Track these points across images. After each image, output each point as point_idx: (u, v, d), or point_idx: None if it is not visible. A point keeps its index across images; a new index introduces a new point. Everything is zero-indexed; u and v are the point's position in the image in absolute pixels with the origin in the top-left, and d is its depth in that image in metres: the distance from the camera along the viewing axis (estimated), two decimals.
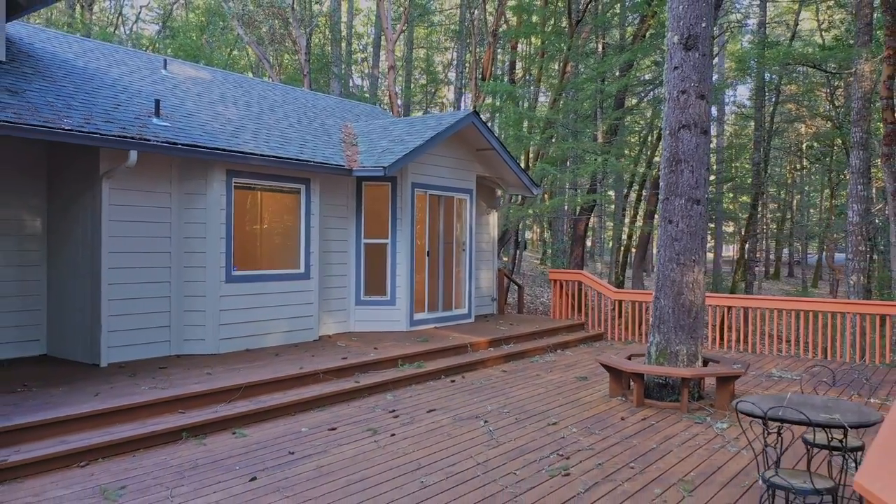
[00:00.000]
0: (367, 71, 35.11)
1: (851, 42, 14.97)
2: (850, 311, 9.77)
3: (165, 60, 10.49)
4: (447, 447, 5.41)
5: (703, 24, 7.08)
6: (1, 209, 7.42)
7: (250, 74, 30.34)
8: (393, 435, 5.73)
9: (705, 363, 7.29)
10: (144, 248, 7.59)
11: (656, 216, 16.16)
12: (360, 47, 35.56)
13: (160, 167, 7.72)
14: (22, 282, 7.62)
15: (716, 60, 28.45)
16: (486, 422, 6.19)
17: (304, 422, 6.10)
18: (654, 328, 7.28)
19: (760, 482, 3.82)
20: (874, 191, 19.07)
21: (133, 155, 6.83)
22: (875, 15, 13.01)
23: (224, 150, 7.70)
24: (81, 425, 5.21)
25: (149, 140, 6.98)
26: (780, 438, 3.67)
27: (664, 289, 7.17)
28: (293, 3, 21.55)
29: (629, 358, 7.48)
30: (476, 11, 23.25)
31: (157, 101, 7.80)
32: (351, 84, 33.24)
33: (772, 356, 10.07)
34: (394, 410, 6.55)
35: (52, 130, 6.20)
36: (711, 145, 33.83)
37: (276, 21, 22.45)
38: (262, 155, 8.08)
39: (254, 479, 4.63)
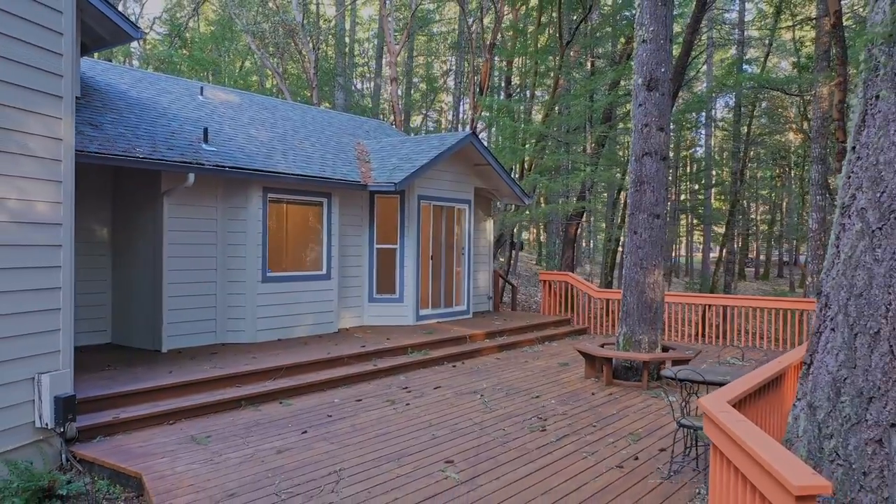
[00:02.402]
0: (368, 75, 36.59)
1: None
2: (805, 308, 11.21)
3: (202, 87, 11.94)
4: (451, 412, 6.86)
5: (663, 69, 8.54)
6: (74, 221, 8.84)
7: (255, 78, 31.79)
8: (407, 404, 7.18)
9: (664, 350, 8.75)
10: (196, 253, 9.03)
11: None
12: (362, 52, 37.00)
13: (209, 186, 9.15)
14: (91, 281, 9.05)
15: (704, 68, 30.00)
16: (481, 395, 7.64)
17: (335, 395, 7.55)
18: (622, 321, 8.75)
19: (675, 425, 5.28)
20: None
21: (191, 177, 8.27)
22: (832, 43, 14.43)
23: (262, 171, 9.15)
24: (166, 394, 6.66)
25: (203, 164, 8.43)
26: (690, 394, 5.12)
27: (630, 288, 8.63)
28: (303, 20, 22.97)
29: (602, 346, 8.95)
30: (474, 26, 24.72)
31: (206, 130, 9.24)
32: (353, 88, 34.64)
33: (733, 347, 11.52)
34: (406, 387, 8.00)
35: (131, 158, 7.65)
36: (700, 151, 34.84)
37: (281, 30, 23.83)
38: (293, 174, 9.53)
39: (304, 432, 6.08)
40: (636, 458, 5.49)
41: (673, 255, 41.53)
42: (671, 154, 31.48)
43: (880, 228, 3.65)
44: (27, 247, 5.12)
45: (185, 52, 28.46)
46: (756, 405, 4.22)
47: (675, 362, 8.26)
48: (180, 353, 8.52)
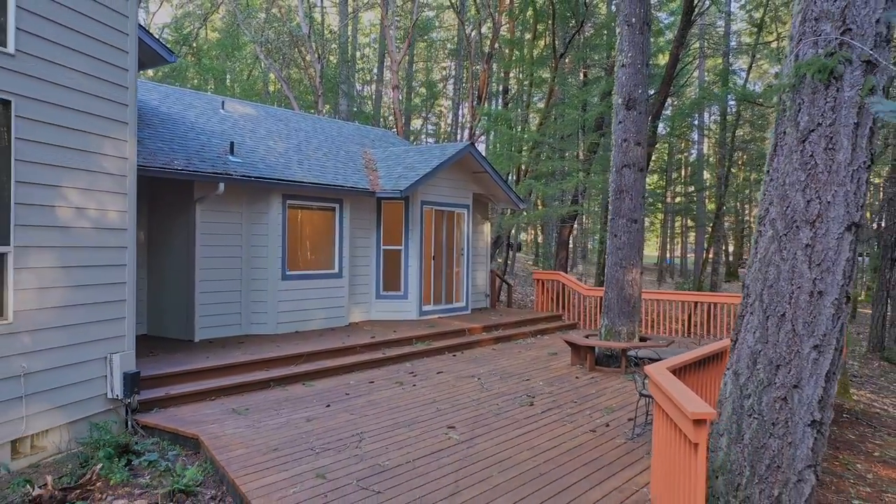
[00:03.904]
0: (369, 78, 37.70)
1: None
2: None
3: (223, 101, 13.00)
4: (452, 391, 7.92)
5: (640, 91, 9.60)
6: None
7: (259, 84, 32.87)
8: (414, 385, 8.24)
9: (642, 340, 9.81)
10: (224, 254, 10.09)
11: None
12: (363, 57, 38.08)
13: (235, 193, 10.21)
14: None
15: (696, 73, 31.14)
16: (479, 379, 8.71)
17: (350, 378, 8.61)
18: (604, 314, 9.81)
19: (637, 395, 6.34)
20: None
21: (221, 186, 9.33)
22: None
23: (283, 180, 10.21)
24: (206, 375, 7.72)
25: (231, 175, 9.49)
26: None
27: (611, 285, 9.70)
28: (309, 31, 24.04)
29: (586, 337, 10.01)
30: (472, 33, 25.81)
31: (232, 144, 10.30)
32: (356, 94, 35.73)
33: (711, 339, 12.58)
34: (412, 372, 9.07)
35: (170, 170, 8.70)
36: (692, 155, 35.90)
37: (287, 39, 24.91)
38: (310, 183, 10.59)
39: (328, 405, 7.14)
40: (607, 426, 6.55)
41: (668, 255, 42.65)
42: (665, 157, 32.60)
43: (786, 234, 4.71)
44: (102, 248, 6.18)
45: (191, 58, 29.51)
46: (697, 374, 5.27)
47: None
48: (211, 342, 9.58)
